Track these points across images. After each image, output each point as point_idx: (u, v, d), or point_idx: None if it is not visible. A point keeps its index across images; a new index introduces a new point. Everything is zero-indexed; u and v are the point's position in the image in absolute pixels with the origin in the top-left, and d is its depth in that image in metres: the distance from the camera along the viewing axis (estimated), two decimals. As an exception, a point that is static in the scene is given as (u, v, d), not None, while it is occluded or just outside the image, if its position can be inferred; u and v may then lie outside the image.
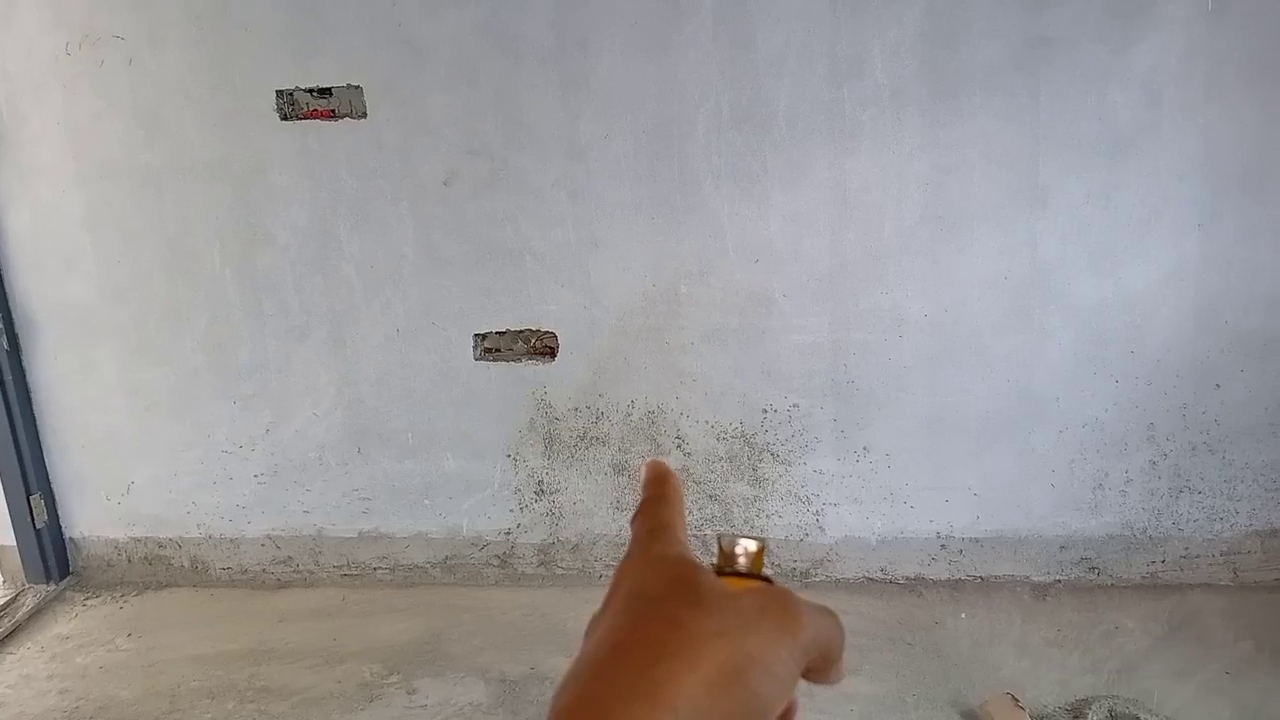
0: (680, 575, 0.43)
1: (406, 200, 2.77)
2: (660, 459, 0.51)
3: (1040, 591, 2.82)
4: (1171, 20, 2.48)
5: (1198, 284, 2.62)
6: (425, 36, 2.66)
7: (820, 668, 0.43)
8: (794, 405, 2.81)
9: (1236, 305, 2.63)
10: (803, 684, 0.43)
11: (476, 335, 2.82)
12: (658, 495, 0.49)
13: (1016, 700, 2.32)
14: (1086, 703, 2.35)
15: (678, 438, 2.85)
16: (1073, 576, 2.82)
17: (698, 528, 2.89)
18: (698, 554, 0.43)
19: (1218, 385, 2.67)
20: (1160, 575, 2.80)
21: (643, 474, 0.51)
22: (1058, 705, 2.36)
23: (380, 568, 3.01)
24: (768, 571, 0.45)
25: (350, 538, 3.00)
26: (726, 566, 0.45)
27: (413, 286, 2.81)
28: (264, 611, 2.96)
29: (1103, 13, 2.48)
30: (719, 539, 0.46)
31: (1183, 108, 2.54)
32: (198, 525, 3.08)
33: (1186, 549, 2.78)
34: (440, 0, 2.64)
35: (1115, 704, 2.33)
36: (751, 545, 0.45)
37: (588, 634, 0.42)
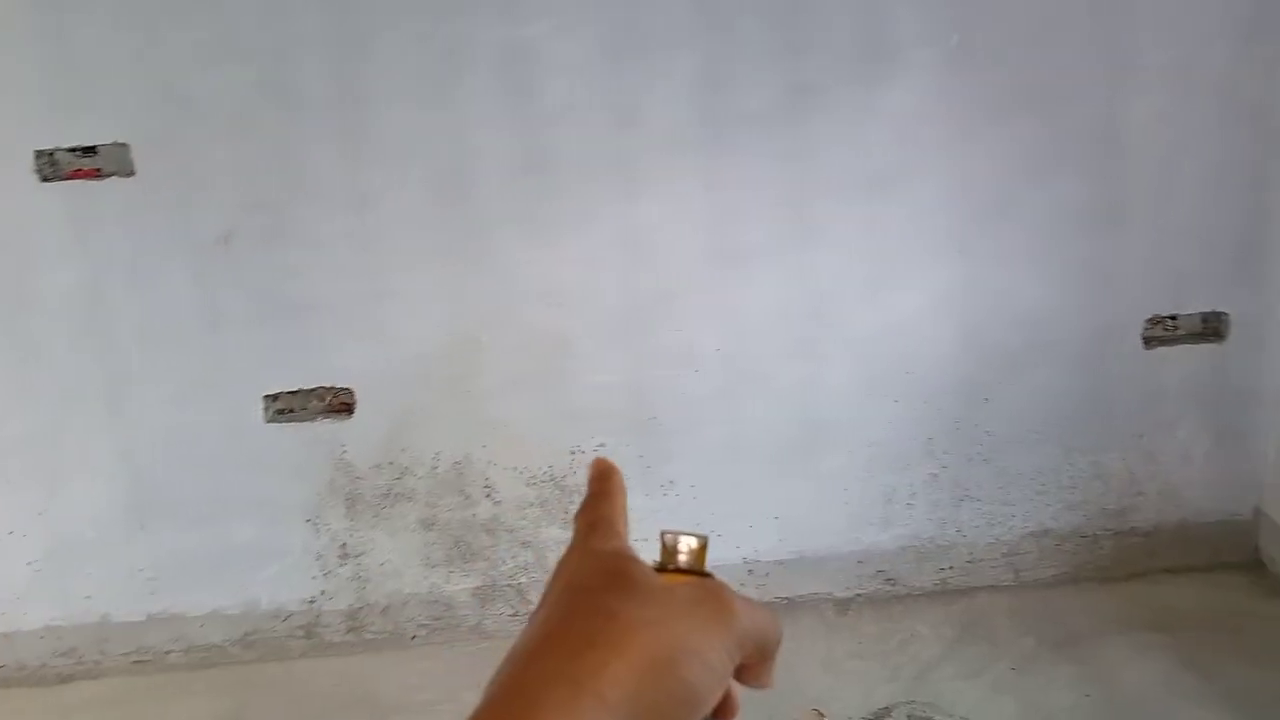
0: (615, 568, 0.43)
1: (183, 258, 2.65)
2: (605, 457, 0.52)
3: (842, 607, 2.94)
4: (919, 64, 2.69)
5: (961, 307, 2.83)
6: (196, 91, 2.58)
7: (754, 665, 0.44)
8: (600, 445, 2.84)
9: (996, 324, 2.84)
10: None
11: (267, 396, 2.72)
12: (600, 491, 0.50)
13: (822, 715, 2.41)
14: (887, 710, 2.46)
15: (486, 486, 2.82)
16: (871, 589, 2.96)
17: (511, 576, 2.87)
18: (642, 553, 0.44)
19: (986, 399, 2.88)
20: (950, 581, 2.97)
21: (589, 471, 0.52)
22: (861, 716, 2.46)
23: (173, 650, 2.83)
24: (710, 569, 0.45)
25: (138, 621, 2.81)
26: (669, 563, 0.45)
27: (195, 348, 2.69)
28: (46, 708, 2.73)
29: (855, 59, 2.66)
30: (662, 536, 0.46)
31: (935, 144, 2.74)
32: (-36, 622, 2.82)
33: (971, 554, 2.97)
34: (211, 55, 2.56)
35: (913, 709, 2.45)
36: (694, 542, 0.46)
37: (526, 629, 0.42)
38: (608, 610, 0.41)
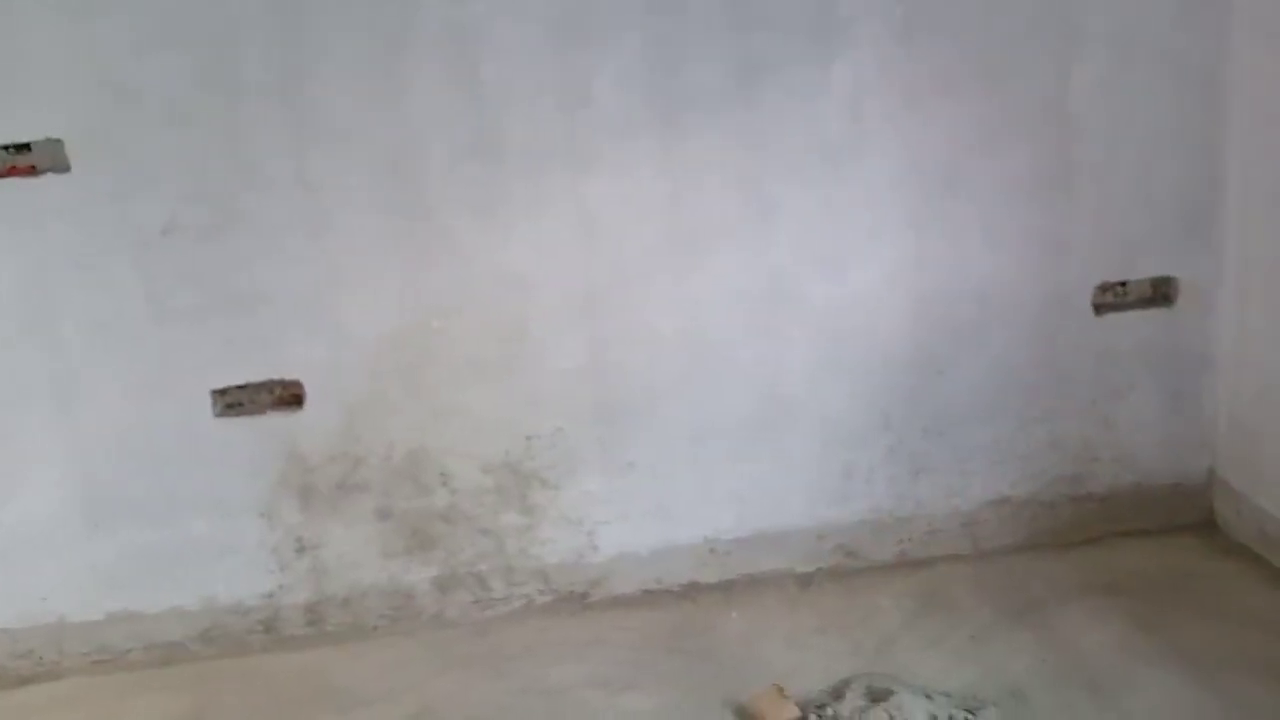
0: None
1: (127, 254, 2.60)
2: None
3: (804, 582, 2.95)
4: (865, 39, 2.67)
5: (914, 280, 2.83)
6: (133, 82, 2.52)
7: None
8: (558, 429, 2.83)
9: (949, 297, 2.85)
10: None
11: (215, 391, 2.68)
12: None
13: (783, 691, 2.42)
14: (846, 683, 2.47)
15: (442, 475, 2.81)
16: (832, 564, 2.97)
17: (471, 564, 2.86)
18: None
19: (941, 371, 2.89)
20: (909, 553, 2.99)
21: None
22: (821, 689, 2.47)
23: (133, 649, 2.80)
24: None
25: (96, 620, 2.77)
26: None
27: (141, 345, 2.64)
28: (6, 711, 2.70)
29: (803, 35, 2.65)
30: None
31: (885, 118, 2.74)
32: (-80, 627, 2.78)
33: (930, 525, 2.99)
34: (146, 43, 2.51)
35: (872, 680, 2.47)
36: None
37: None
38: None
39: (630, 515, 2.90)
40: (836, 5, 2.64)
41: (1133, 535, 3.04)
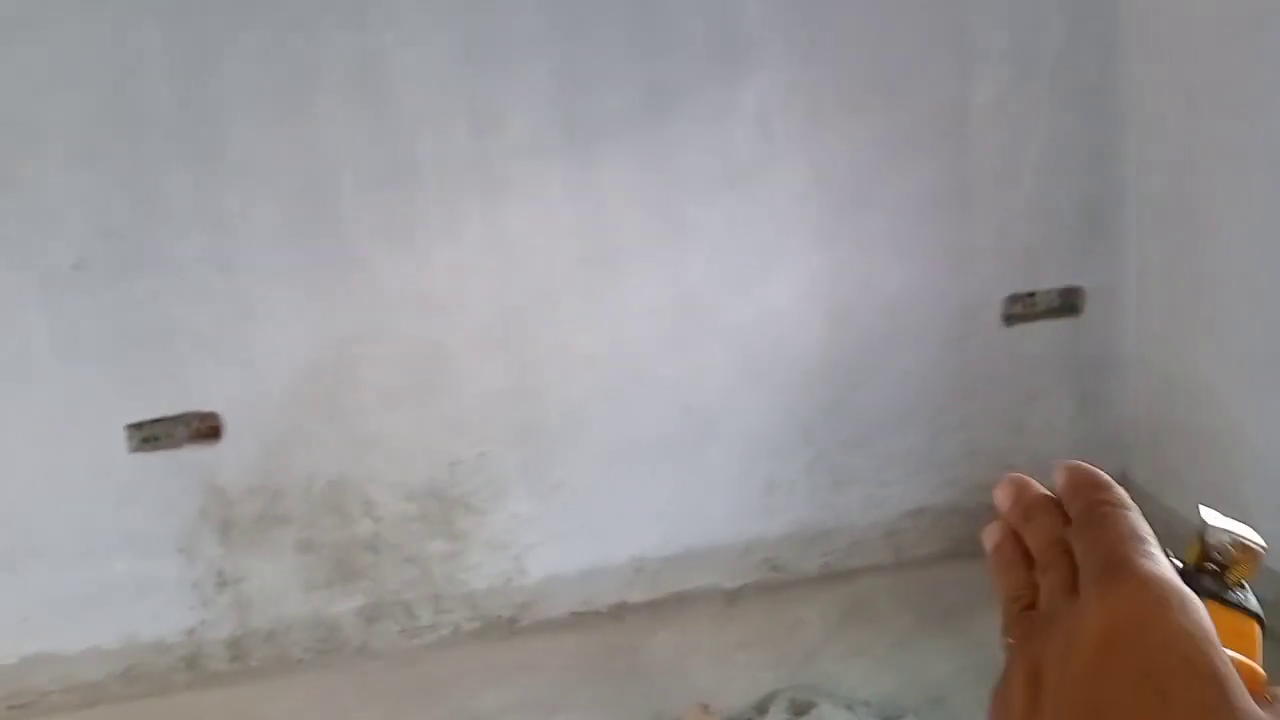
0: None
1: (34, 291, 2.57)
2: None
3: (732, 597, 2.98)
4: (770, 61, 2.73)
5: (827, 294, 2.89)
6: (37, 117, 2.50)
7: None
8: (481, 454, 2.84)
9: (862, 310, 2.91)
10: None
11: (130, 426, 2.65)
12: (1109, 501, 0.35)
13: (707, 708, 2.44)
14: (771, 697, 2.50)
15: (365, 504, 2.80)
16: (758, 578, 3.01)
17: (397, 593, 2.85)
18: None
19: (856, 384, 2.95)
20: (833, 565, 3.04)
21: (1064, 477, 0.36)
22: (746, 705, 2.50)
23: (53, 691, 2.74)
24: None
25: (12, 664, 2.72)
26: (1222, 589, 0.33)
27: (53, 382, 2.61)
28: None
29: (709, 57, 2.70)
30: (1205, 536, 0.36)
31: (792, 137, 2.80)
32: None
33: (852, 537, 3.03)
34: (50, 80, 2.49)
35: (796, 693, 2.50)
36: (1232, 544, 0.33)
37: None
38: None
39: (557, 537, 2.91)
40: (741, 28, 2.71)
41: (1051, 539, 3.11)
